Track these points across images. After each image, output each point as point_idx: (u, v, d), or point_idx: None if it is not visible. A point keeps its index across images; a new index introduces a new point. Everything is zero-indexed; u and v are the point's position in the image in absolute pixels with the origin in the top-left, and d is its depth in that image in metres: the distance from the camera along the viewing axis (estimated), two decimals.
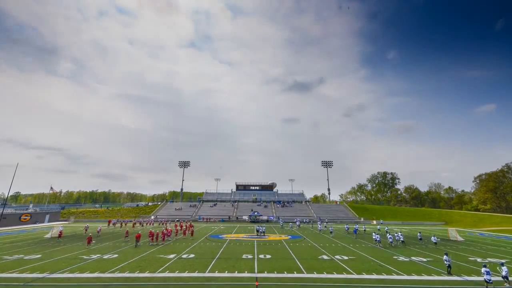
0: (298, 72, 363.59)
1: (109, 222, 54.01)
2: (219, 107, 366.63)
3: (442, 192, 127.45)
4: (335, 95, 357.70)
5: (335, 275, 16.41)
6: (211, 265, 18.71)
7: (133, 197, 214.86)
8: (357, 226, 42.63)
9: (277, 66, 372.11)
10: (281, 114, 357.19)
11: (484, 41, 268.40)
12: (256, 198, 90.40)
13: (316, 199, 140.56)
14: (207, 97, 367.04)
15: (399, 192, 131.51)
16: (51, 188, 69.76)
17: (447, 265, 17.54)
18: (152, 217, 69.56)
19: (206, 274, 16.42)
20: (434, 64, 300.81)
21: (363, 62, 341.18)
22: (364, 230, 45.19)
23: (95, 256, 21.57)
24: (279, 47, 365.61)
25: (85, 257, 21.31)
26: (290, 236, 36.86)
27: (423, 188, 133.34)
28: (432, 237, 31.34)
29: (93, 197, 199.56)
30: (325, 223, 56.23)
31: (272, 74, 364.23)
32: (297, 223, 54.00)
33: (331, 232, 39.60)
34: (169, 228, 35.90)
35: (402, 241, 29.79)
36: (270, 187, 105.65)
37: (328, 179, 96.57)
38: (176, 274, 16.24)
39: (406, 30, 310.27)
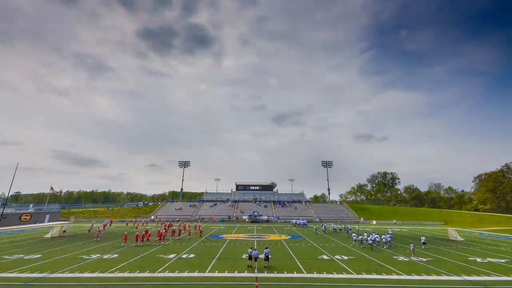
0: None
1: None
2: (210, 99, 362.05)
3: (442, 192, 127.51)
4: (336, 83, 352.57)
5: (335, 275, 16.42)
6: (211, 265, 18.72)
7: (133, 197, 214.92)
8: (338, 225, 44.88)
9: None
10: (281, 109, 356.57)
11: (489, 37, 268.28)
12: (256, 198, 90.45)
13: (316, 199, 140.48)
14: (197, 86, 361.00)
15: (399, 192, 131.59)
16: (51, 188, 69.79)
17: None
18: (152, 217, 69.62)
19: (206, 274, 16.43)
20: (438, 58, 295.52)
21: (366, 51, 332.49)
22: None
23: (95, 256, 21.59)
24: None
25: (85, 257, 21.32)
26: (290, 236, 36.91)
27: (423, 188, 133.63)
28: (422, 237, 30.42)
29: (93, 197, 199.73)
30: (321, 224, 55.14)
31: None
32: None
33: (324, 231, 39.89)
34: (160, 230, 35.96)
35: (370, 243, 26.79)
36: (270, 187, 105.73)
37: (328, 179, 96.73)
38: (176, 274, 16.24)
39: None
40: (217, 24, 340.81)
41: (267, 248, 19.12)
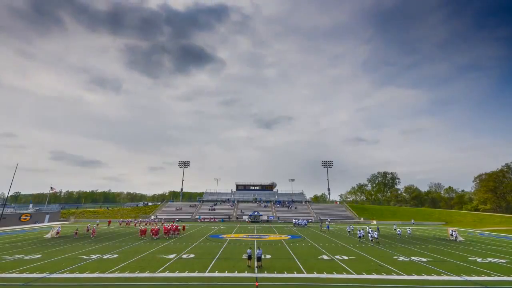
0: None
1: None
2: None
3: (442, 192, 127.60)
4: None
5: (335, 275, 16.40)
6: (211, 265, 18.70)
7: (133, 197, 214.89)
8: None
9: None
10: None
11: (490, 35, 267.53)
12: (256, 198, 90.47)
13: (316, 199, 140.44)
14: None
15: (399, 192, 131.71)
16: (51, 188, 69.78)
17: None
18: (152, 217, 69.63)
19: (206, 274, 16.42)
20: (440, 54, 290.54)
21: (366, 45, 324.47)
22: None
23: (95, 256, 21.58)
24: None
25: (85, 257, 21.30)
26: (290, 236, 36.89)
27: (423, 188, 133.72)
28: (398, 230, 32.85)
29: (93, 197, 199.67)
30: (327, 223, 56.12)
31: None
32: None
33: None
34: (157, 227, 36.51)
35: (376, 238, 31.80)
36: (270, 187, 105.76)
37: (328, 179, 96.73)
38: (176, 274, 16.23)
39: None
40: (214, 46, 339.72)
41: (259, 248, 19.84)
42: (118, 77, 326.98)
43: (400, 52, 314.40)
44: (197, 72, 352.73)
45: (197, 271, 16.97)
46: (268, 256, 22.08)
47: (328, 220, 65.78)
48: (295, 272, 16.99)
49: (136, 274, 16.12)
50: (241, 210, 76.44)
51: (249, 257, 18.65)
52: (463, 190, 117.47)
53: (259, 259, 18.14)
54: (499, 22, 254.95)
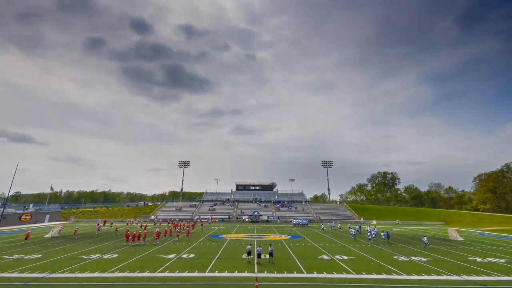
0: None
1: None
2: None
3: (442, 192, 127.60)
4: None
5: (335, 275, 16.42)
6: (211, 265, 18.73)
7: (133, 197, 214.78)
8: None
9: None
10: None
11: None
12: (256, 198, 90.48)
13: (316, 199, 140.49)
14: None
15: (399, 192, 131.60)
16: (51, 188, 69.81)
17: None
18: (152, 217, 69.62)
19: (206, 274, 16.43)
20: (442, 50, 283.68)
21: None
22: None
23: (95, 256, 21.59)
24: None
25: (85, 257, 21.32)
26: (290, 236, 36.92)
27: (423, 188, 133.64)
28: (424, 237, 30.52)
29: (93, 197, 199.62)
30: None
31: None
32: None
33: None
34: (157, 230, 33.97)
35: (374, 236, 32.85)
36: (270, 187, 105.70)
37: (328, 179, 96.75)
38: (176, 274, 16.25)
39: None
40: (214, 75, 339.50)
41: (259, 246, 21.15)
42: (115, 87, 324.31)
43: (405, 40, 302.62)
44: (191, 95, 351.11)
45: (197, 271, 16.99)
46: (268, 256, 22.08)
47: (323, 220, 66.03)
48: (295, 272, 17.01)
49: (136, 274, 16.14)
50: (241, 210, 76.45)
51: (249, 253, 20.11)
52: (463, 190, 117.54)
53: (259, 255, 19.57)
54: (503, 15, 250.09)
